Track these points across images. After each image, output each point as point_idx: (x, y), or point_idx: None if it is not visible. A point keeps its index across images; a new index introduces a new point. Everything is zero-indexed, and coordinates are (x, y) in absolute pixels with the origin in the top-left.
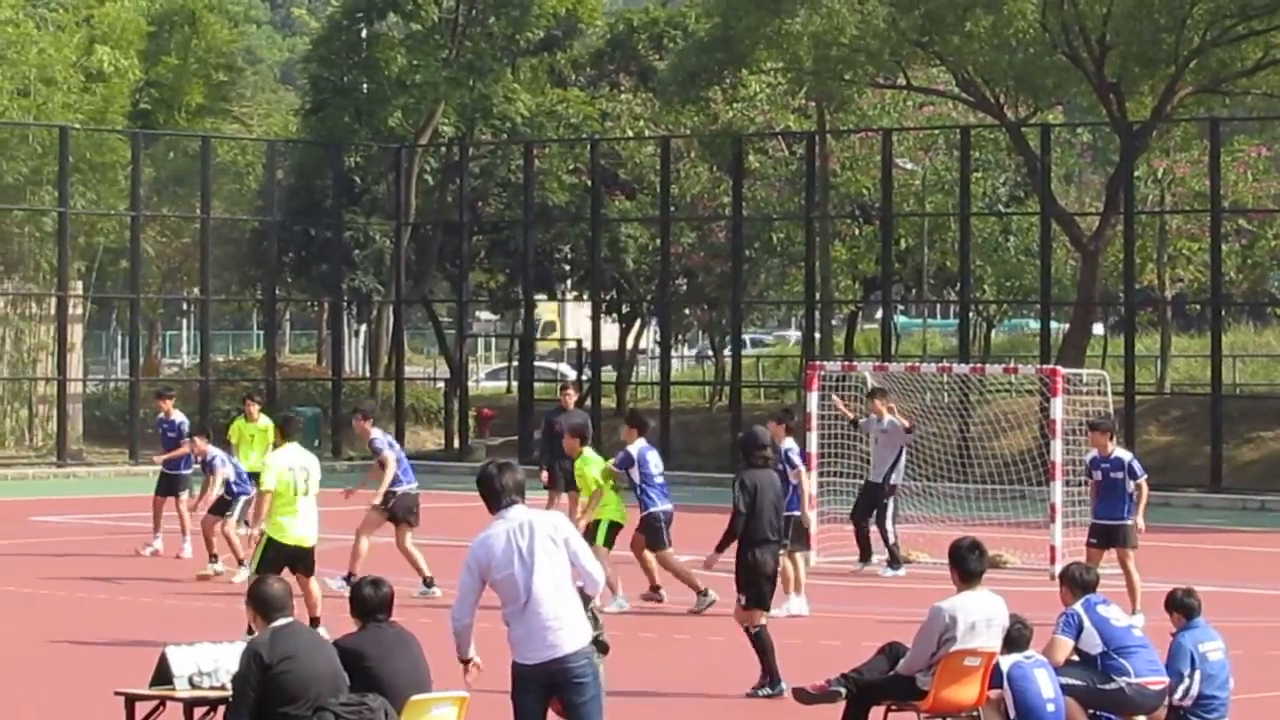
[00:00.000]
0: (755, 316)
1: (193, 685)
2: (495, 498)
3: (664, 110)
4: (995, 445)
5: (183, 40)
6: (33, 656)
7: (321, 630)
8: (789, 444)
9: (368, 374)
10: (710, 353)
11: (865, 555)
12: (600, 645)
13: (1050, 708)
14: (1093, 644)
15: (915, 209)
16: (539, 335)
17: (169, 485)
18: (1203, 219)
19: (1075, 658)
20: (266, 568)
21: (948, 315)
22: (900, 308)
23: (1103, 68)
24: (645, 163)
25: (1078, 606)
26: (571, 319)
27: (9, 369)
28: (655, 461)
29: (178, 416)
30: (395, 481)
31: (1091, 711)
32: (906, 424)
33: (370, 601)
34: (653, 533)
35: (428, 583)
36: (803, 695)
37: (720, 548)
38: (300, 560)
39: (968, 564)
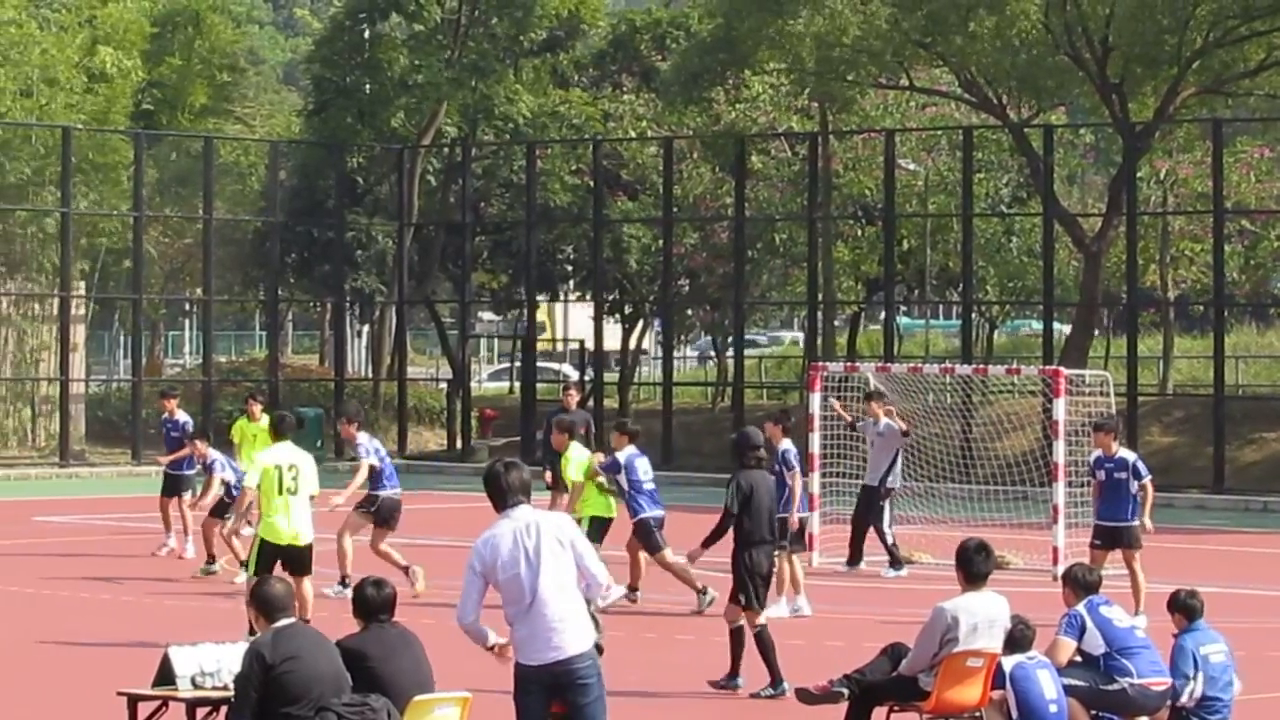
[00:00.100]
0: (758, 317)
1: (195, 686)
2: (501, 497)
3: (666, 111)
4: (998, 446)
5: (185, 41)
6: (35, 657)
7: None
8: (786, 445)
9: (370, 374)
10: (713, 353)
11: (855, 558)
12: (596, 648)
13: (1053, 709)
14: (1095, 645)
15: (918, 210)
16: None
17: (173, 485)
18: (1205, 220)
19: (1078, 658)
20: (263, 568)
21: (950, 316)
22: (903, 309)
23: (1105, 68)
24: (648, 163)
25: (1080, 607)
26: (573, 320)
27: (12, 369)
28: (645, 468)
29: (182, 416)
30: (380, 485)
31: (1094, 712)
32: (903, 427)
33: (373, 602)
34: (646, 536)
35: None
36: (805, 696)
37: (706, 543)
38: (294, 559)
39: (974, 565)
